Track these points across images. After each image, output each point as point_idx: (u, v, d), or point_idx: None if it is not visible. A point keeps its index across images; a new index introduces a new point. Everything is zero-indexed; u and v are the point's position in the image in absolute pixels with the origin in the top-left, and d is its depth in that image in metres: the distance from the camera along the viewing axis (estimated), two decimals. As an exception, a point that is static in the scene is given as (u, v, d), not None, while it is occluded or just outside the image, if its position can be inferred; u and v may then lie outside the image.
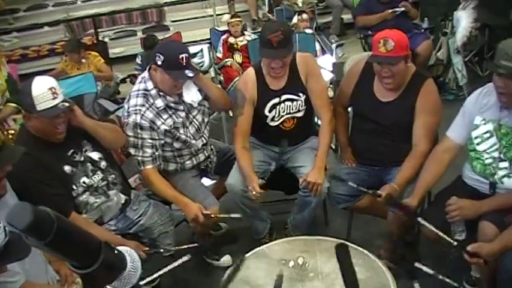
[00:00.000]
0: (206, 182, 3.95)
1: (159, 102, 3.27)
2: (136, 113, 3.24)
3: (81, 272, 1.17)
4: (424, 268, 2.51)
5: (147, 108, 3.25)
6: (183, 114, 3.37)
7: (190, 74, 3.17)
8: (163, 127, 3.29)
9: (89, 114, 3.31)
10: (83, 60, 6.45)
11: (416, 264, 2.51)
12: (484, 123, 2.91)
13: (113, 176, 3.18)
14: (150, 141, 3.27)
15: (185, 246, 2.86)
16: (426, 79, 3.30)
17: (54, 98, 2.75)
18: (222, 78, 6.19)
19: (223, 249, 3.83)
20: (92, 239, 1.19)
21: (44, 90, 2.72)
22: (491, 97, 2.89)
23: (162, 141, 3.34)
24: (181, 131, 3.38)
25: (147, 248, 2.94)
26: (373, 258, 2.72)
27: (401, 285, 2.52)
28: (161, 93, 3.28)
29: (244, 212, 3.57)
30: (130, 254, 1.29)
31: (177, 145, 3.42)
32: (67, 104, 2.83)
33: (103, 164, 3.14)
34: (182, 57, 3.12)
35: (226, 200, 3.86)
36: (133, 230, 3.27)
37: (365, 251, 2.76)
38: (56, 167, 2.92)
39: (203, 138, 3.53)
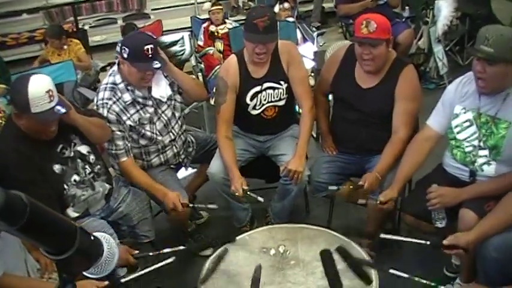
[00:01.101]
0: (184, 172, 3.95)
1: (127, 97, 3.25)
2: (103, 107, 3.22)
3: (55, 258, 1.14)
4: (399, 273, 2.49)
5: (114, 102, 3.23)
6: (151, 109, 3.34)
7: (157, 65, 3.14)
8: (128, 122, 3.27)
9: (77, 106, 3.24)
10: (65, 47, 6.42)
11: (391, 271, 2.50)
12: (464, 112, 2.92)
13: (98, 166, 3.15)
14: (119, 133, 3.25)
15: (173, 249, 2.84)
16: (406, 65, 3.30)
17: (51, 101, 2.68)
18: (203, 66, 6.15)
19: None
20: (67, 225, 1.16)
21: (41, 93, 2.63)
22: (471, 86, 2.89)
23: (129, 135, 3.32)
24: (147, 127, 3.35)
25: (136, 252, 2.92)
26: (353, 245, 2.71)
27: (382, 272, 2.51)
28: (129, 88, 3.25)
29: (226, 200, 3.56)
30: (107, 240, 1.27)
31: (142, 142, 3.40)
32: (63, 111, 2.74)
33: (92, 157, 3.11)
34: (148, 48, 3.09)
35: (207, 189, 3.86)
36: (112, 217, 3.25)
37: (345, 239, 2.76)
38: (47, 166, 2.88)
39: (171, 134, 3.49)
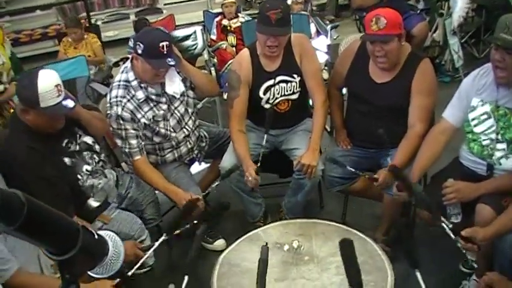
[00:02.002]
0: (197, 167, 3.94)
1: (140, 94, 3.23)
2: (117, 105, 3.20)
3: (57, 259, 1.11)
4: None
5: (128, 100, 3.22)
6: (164, 106, 3.32)
7: (172, 63, 3.12)
8: (143, 120, 3.26)
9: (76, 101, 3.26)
10: (85, 36, 6.48)
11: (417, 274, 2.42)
12: (482, 105, 2.87)
13: (103, 155, 3.19)
14: (133, 131, 3.24)
15: (179, 230, 2.84)
16: (422, 59, 3.24)
17: (59, 96, 2.70)
18: (215, 60, 6.13)
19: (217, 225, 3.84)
20: (69, 223, 1.12)
21: (50, 87, 2.65)
22: (489, 78, 2.85)
23: (143, 133, 3.32)
24: (161, 124, 3.34)
25: (143, 245, 2.92)
26: (368, 241, 2.69)
27: (397, 268, 2.48)
28: (142, 85, 3.24)
29: (239, 195, 3.53)
30: (112, 238, 1.24)
31: (156, 139, 3.39)
32: (71, 105, 2.77)
33: (97, 147, 3.14)
34: (163, 45, 3.07)
35: (220, 183, 3.83)
36: (124, 204, 3.26)
37: (360, 234, 2.73)
38: (59, 160, 2.90)
39: (185, 130, 3.47)
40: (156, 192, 3.43)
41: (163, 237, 2.74)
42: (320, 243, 2.71)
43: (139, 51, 3.12)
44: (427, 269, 2.81)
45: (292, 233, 2.81)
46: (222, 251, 2.80)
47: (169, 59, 3.10)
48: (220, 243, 3.73)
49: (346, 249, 2.48)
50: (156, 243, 2.91)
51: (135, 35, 3.33)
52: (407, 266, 2.65)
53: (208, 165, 4.05)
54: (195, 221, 2.88)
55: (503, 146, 2.82)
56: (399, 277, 2.45)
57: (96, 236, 1.18)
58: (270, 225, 2.97)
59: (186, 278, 2.35)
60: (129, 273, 2.55)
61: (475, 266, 2.68)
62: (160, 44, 3.06)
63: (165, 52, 3.08)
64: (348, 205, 3.74)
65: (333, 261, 2.55)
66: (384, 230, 3.48)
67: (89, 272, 1.20)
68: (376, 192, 3.35)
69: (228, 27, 6.62)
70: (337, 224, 2.88)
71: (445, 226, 2.56)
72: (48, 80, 2.66)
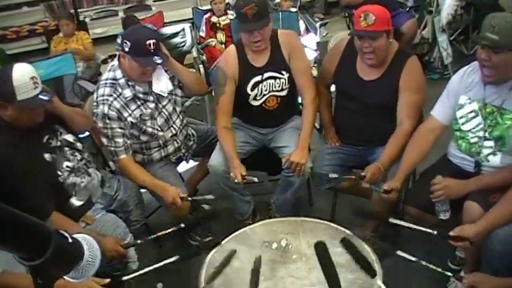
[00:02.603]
0: (185, 166, 3.94)
1: (127, 92, 3.21)
2: (104, 103, 3.17)
3: (29, 264, 1.08)
4: (407, 256, 2.48)
5: (115, 99, 3.19)
6: (152, 105, 3.30)
7: (159, 61, 3.09)
8: (129, 119, 3.23)
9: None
10: (76, 32, 6.49)
11: (399, 253, 2.48)
12: (469, 103, 2.88)
13: (86, 154, 3.15)
14: (119, 130, 3.21)
15: (170, 230, 2.84)
16: (409, 56, 3.24)
17: (35, 88, 2.67)
18: (204, 58, 6.10)
19: (206, 228, 3.81)
20: (40, 227, 1.09)
21: (26, 79, 2.62)
22: (476, 76, 2.86)
23: (130, 132, 3.29)
24: (149, 123, 3.31)
25: (126, 241, 2.91)
26: (356, 238, 2.68)
27: (385, 265, 2.49)
28: (130, 83, 3.21)
29: (227, 194, 3.52)
30: (88, 241, 1.22)
31: (143, 138, 3.36)
32: (47, 98, 2.74)
33: (79, 144, 3.10)
34: (150, 43, 3.04)
35: (209, 182, 3.82)
36: (114, 206, 3.25)
37: (348, 232, 2.73)
38: (38, 155, 2.86)
39: (172, 129, 3.45)
40: (143, 191, 3.41)
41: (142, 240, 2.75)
42: (308, 241, 2.70)
43: (126, 49, 3.10)
44: (415, 265, 2.82)
45: (280, 231, 2.80)
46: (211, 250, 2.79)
47: (157, 57, 3.08)
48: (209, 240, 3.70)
49: (321, 251, 2.52)
50: (138, 241, 2.92)
51: (123, 33, 3.29)
52: (395, 263, 2.69)
53: (196, 163, 4.03)
54: (182, 225, 2.86)
55: (490, 143, 2.82)
56: (387, 274, 2.45)
57: (70, 240, 1.16)
58: (257, 224, 2.95)
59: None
60: (124, 278, 2.57)
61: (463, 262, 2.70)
62: (147, 42, 3.03)
63: (152, 50, 3.05)
64: (336, 202, 3.72)
65: (320, 259, 2.55)
66: (372, 227, 3.48)
67: (64, 277, 1.18)
68: (365, 190, 3.35)
69: (217, 24, 6.58)
70: (326, 222, 2.87)
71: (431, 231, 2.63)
72: (23, 73, 2.64)
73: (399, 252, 2.50)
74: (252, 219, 3.71)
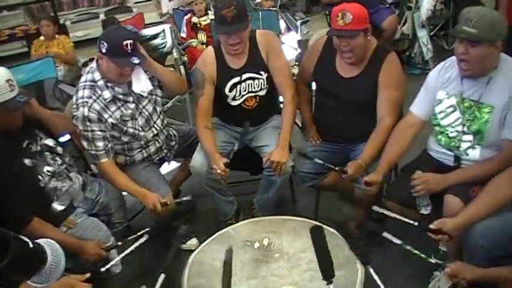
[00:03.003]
0: (168, 167, 3.93)
1: (107, 94, 3.19)
2: (83, 106, 3.15)
3: None
4: (392, 238, 2.51)
5: (94, 101, 3.17)
6: (132, 105, 3.29)
7: (136, 61, 3.08)
8: (110, 120, 3.21)
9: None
10: (57, 36, 6.51)
11: (384, 234, 2.51)
12: (448, 98, 2.89)
13: (67, 158, 3.13)
14: (100, 133, 3.19)
15: (136, 235, 2.84)
16: (388, 53, 3.26)
17: (12, 90, 2.65)
18: (186, 58, 6.09)
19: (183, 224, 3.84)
20: None
21: (1, 82, 2.60)
22: (453, 71, 2.87)
23: (111, 134, 3.28)
24: (130, 124, 3.30)
25: (107, 244, 2.90)
26: (339, 235, 2.69)
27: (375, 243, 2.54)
28: (109, 84, 3.20)
29: (210, 194, 3.51)
30: (51, 245, 1.21)
31: (125, 139, 3.35)
32: (25, 98, 2.74)
33: (59, 149, 3.08)
34: (127, 44, 3.03)
35: (191, 183, 3.82)
36: (96, 209, 3.23)
37: (330, 229, 2.74)
38: (18, 161, 2.84)
39: (154, 129, 3.44)
40: (124, 194, 3.40)
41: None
42: (290, 240, 2.71)
43: (104, 50, 3.08)
44: (399, 260, 2.84)
45: (262, 230, 2.81)
46: (193, 251, 2.79)
47: (134, 58, 3.07)
48: (193, 242, 3.70)
49: (317, 236, 2.52)
50: (119, 243, 2.91)
51: (100, 35, 3.28)
52: (378, 259, 2.70)
53: (179, 164, 4.03)
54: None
55: (469, 137, 2.84)
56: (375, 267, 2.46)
57: (31, 245, 1.15)
58: (240, 224, 2.97)
59: (162, 276, 2.39)
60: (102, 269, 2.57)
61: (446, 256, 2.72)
62: (124, 43, 3.03)
63: (129, 51, 3.05)
64: (320, 200, 3.73)
65: (303, 258, 2.56)
66: (356, 223, 3.49)
67: (28, 282, 1.17)
68: (347, 186, 3.36)
69: (198, 25, 6.58)
70: (308, 220, 2.88)
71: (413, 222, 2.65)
72: None
73: (385, 234, 2.54)
74: (235, 219, 3.70)
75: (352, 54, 3.17)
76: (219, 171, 3.20)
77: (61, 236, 2.81)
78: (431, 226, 2.56)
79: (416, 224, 2.64)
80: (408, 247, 2.49)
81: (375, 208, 2.83)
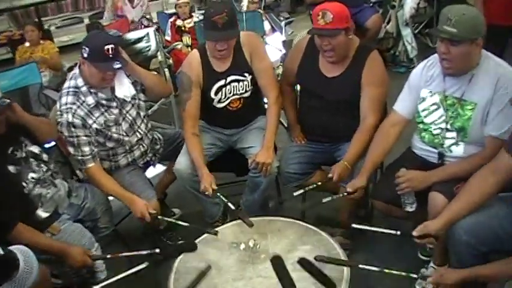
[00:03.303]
0: (153, 171, 3.93)
1: (90, 100, 3.18)
2: (67, 112, 3.13)
3: None
4: (369, 268, 2.49)
5: (78, 107, 3.15)
6: (116, 110, 3.27)
7: (118, 65, 3.06)
8: (94, 126, 3.20)
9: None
10: (41, 42, 6.50)
11: (354, 225, 2.50)
12: (431, 96, 2.91)
13: (52, 165, 3.12)
14: (85, 138, 3.18)
15: (145, 252, 2.81)
16: (371, 51, 3.27)
17: None
18: (171, 62, 6.09)
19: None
20: None
21: None
22: (436, 69, 2.89)
23: (95, 139, 3.26)
24: (114, 129, 3.29)
25: (93, 250, 2.89)
26: (324, 235, 2.71)
27: (354, 260, 2.51)
28: (92, 90, 3.18)
29: (195, 196, 3.51)
30: (24, 252, 1.21)
31: (110, 144, 3.33)
32: (7, 101, 2.73)
33: (44, 156, 3.06)
34: (108, 48, 3.01)
35: (178, 186, 3.80)
36: (81, 215, 3.21)
37: (315, 229, 2.76)
38: (1, 168, 2.82)
39: (138, 134, 3.44)
40: (111, 199, 3.39)
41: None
42: (276, 241, 2.71)
43: (85, 55, 3.07)
44: (386, 258, 2.85)
45: (248, 231, 2.81)
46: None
47: (116, 62, 3.05)
48: (179, 245, 3.69)
49: (278, 265, 2.52)
50: (108, 256, 2.89)
51: (83, 39, 3.27)
52: (363, 259, 2.71)
53: (165, 167, 4.01)
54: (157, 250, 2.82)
55: (453, 134, 2.85)
56: (355, 270, 2.47)
57: (1, 252, 1.15)
58: (225, 226, 2.97)
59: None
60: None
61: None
62: (106, 47, 3.01)
63: (110, 55, 3.03)
64: (306, 199, 3.73)
65: (288, 258, 2.56)
66: (342, 222, 3.48)
67: None
68: (332, 186, 3.36)
69: (183, 28, 6.60)
70: (293, 220, 2.88)
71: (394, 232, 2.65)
72: None
73: (361, 266, 2.51)
74: (222, 221, 3.69)
75: (334, 53, 3.17)
76: (206, 193, 3.19)
77: (46, 240, 2.81)
78: (414, 233, 2.54)
79: (398, 233, 2.63)
80: (387, 270, 2.46)
81: (354, 226, 2.79)
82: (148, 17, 7.56)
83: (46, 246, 2.75)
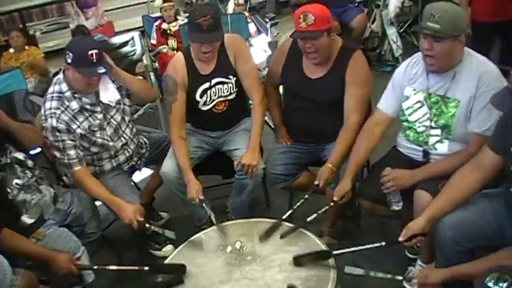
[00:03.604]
0: (140, 175, 3.94)
1: (74, 105, 3.17)
2: (52, 117, 3.12)
3: None
4: (354, 272, 2.49)
5: (62, 112, 3.14)
6: (100, 115, 3.27)
7: (102, 71, 3.05)
8: (78, 131, 3.19)
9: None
10: (26, 47, 6.46)
11: (347, 269, 2.49)
12: (415, 94, 2.92)
13: (38, 171, 3.10)
14: (70, 142, 3.17)
15: (133, 268, 2.80)
16: (354, 51, 3.28)
17: None
18: (157, 65, 6.08)
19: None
20: None
21: None
22: (419, 67, 2.90)
23: (80, 144, 3.25)
24: (98, 134, 3.28)
25: (78, 254, 2.87)
26: (311, 236, 2.73)
27: (341, 260, 2.53)
28: (76, 95, 3.17)
29: (182, 199, 3.50)
30: None
31: (94, 149, 3.33)
32: None
33: (29, 162, 3.05)
34: (92, 54, 3.01)
35: (165, 189, 3.79)
36: (68, 220, 3.19)
37: (302, 229, 2.77)
38: None
39: (123, 138, 3.43)
40: (98, 204, 3.37)
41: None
42: (262, 242, 2.71)
43: (69, 61, 3.06)
44: (373, 256, 2.85)
45: (234, 233, 2.81)
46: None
47: (100, 67, 3.04)
48: (168, 248, 3.70)
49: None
50: (95, 267, 2.88)
51: (67, 45, 3.26)
52: (350, 258, 2.71)
53: (152, 171, 4.00)
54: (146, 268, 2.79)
55: (437, 131, 2.87)
56: (342, 270, 2.48)
57: None
58: (211, 228, 2.96)
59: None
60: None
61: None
62: (89, 52, 3.00)
63: (94, 60, 3.02)
64: (293, 200, 3.73)
65: (275, 259, 2.57)
66: (329, 222, 3.50)
67: None
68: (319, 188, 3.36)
69: (168, 31, 6.58)
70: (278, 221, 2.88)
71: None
72: None
73: (347, 270, 2.51)
74: (209, 224, 3.67)
75: (318, 55, 3.18)
76: (193, 202, 3.19)
77: (31, 246, 2.79)
78: (401, 238, 2.54)
79: (384, 244, 2.63)
80: (372, 273, 2.47)
81: (335, 252, 2.64)
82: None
83: (31, 252, 2.73)
